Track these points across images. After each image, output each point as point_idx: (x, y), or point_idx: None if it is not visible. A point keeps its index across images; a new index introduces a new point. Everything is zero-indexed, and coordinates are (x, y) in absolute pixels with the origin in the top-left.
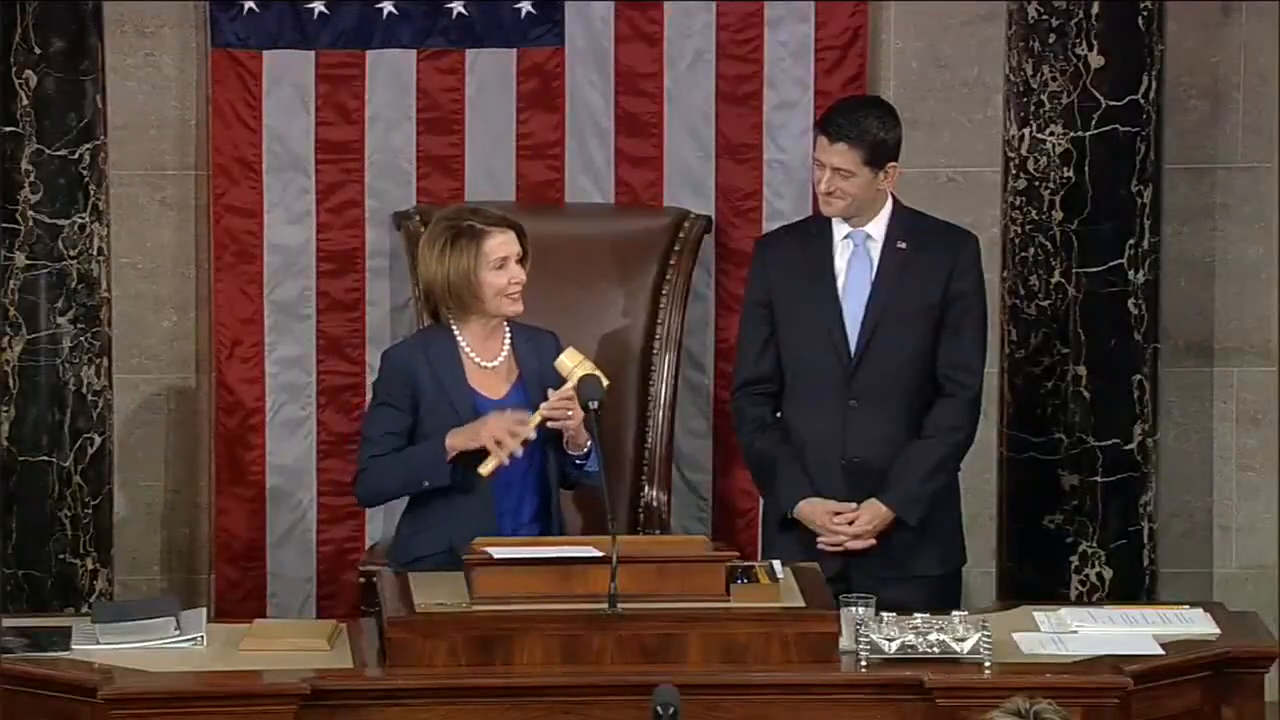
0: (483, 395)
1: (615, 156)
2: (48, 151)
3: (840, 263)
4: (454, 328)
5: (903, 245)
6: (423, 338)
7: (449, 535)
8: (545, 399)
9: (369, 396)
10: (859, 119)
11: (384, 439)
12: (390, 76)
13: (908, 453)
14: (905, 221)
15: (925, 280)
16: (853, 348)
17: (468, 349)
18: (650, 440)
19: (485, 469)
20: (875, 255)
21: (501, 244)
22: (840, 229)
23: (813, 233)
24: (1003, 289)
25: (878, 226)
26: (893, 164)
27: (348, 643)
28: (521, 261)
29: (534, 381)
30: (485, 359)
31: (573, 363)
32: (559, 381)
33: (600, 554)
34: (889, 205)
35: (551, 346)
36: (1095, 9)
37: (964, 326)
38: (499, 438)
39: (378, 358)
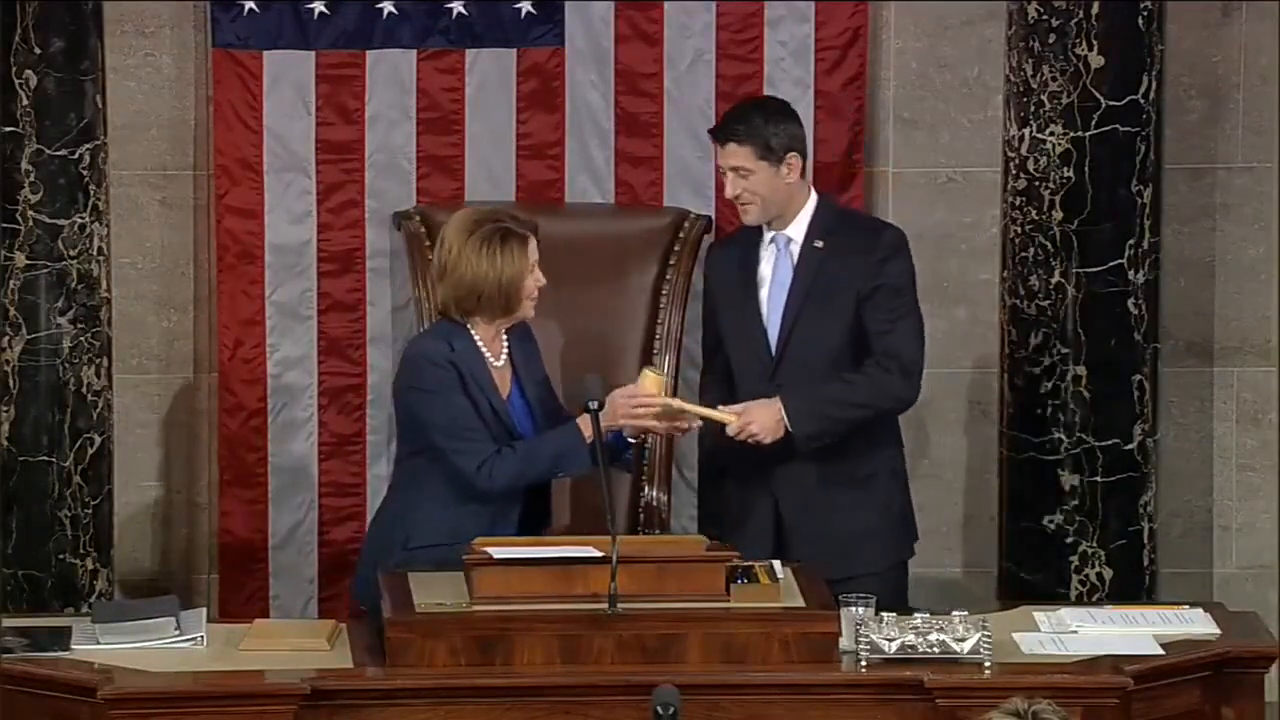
0: (498, 394)
1: (615, 156)
2: (48, 151)
3: (765, 268)
4: (469, 327)
5: (819, 244)
6: (442, 334)
7: (455, 525)
8: (534, 396)
9: (370, 397)
10: (744, 116)
11: (481, 429)
12: (390, 76)
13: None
14: (826, 221)
15: (841, 277)
16: (773, 349)
17: (483, 348)
18: (650, 440)
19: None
20: (795, 256)
21: (535, 248)
22: (767, 234)
23: (747, 240)
24: (1003, 289)
25: (798, 228)
26: (793, 155)
27: (348, 643)
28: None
29: (524, 376)
30: (494, 358)
31: (655, 388)
32: (536, 371)
33: (600, 554)
34: (811, 205)
35: (528, 337)
36: (1095, 9)
37: (897, 318)
38: (628, 417)
39: (379, 358)
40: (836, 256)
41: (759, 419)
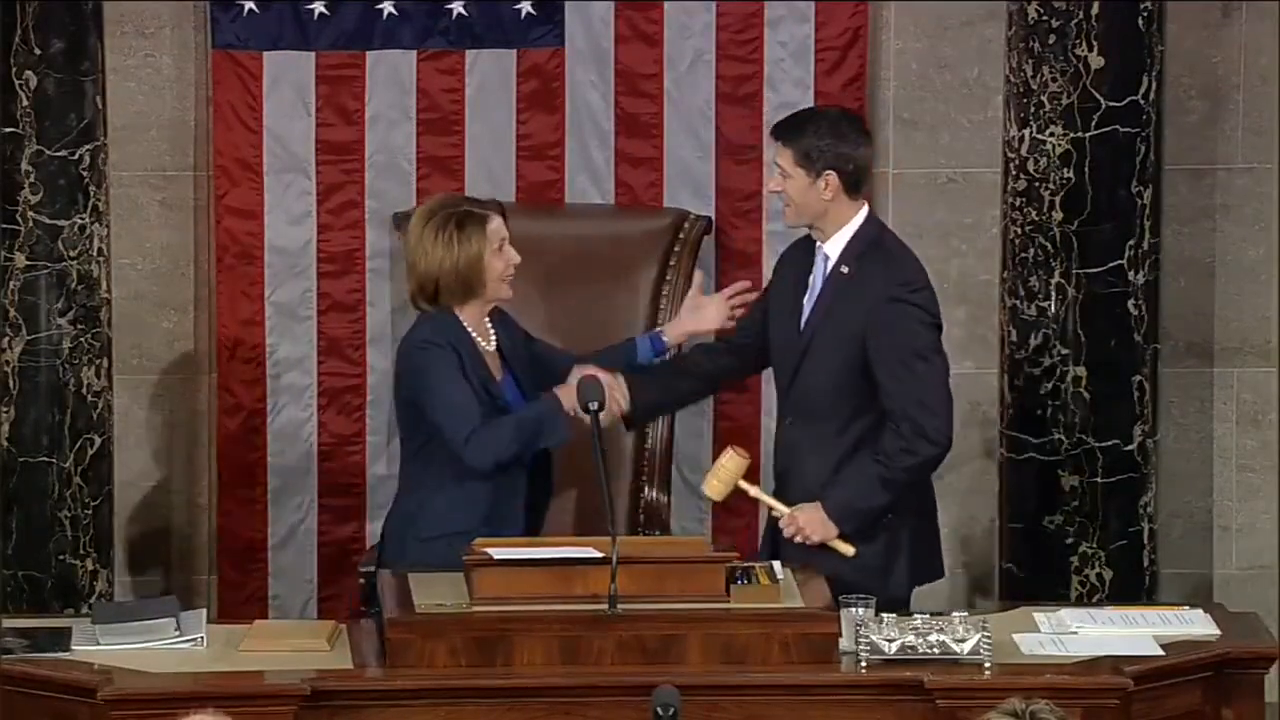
0: (492, 377)
1: (615, 157)
2: (48, 152)
3: (812, 277)
4: (456, 313)
5: (845, 270)
6: (435, 323)
7: (484, 511)
8: (522, 374)
9: (370, 398)
10: (799, 122)
11: (474, 407)
12: (390, 77)
13: (847, 467)
14: (859, 247)
15: (853, 310)
16: (796, 357)
17: (472, 332)
18: (650, 441)
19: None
20: (825, 276)
21: (498, 227)
22: (818, 245)
23: (812, 245)
24: (1003, 289)
25: (835, 246)
26: (830, 173)
27: (348, 643)
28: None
29: (513, 359)
30: (484, 342)
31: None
32: (520, 346)
33: (600, 555)
34: (855, 225)
35: (512, 322)
36: (1095, 9)
37: (903, 371)
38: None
39: (378, 359)
40: (855, 288)
41: (809, 522)
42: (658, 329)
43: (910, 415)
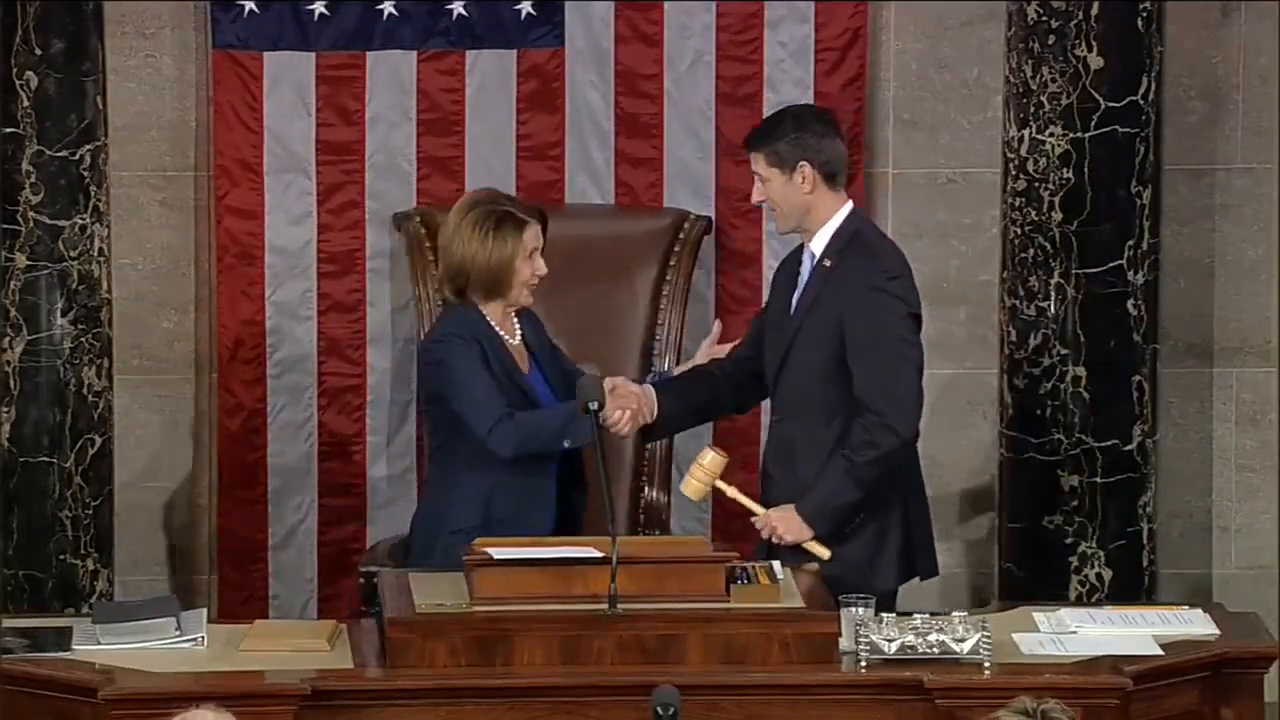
0: (519, 370)
1: (615, 157)
2: (48, 152)
3: (799, 278)
4: (479, 307)
5: (828, 263)
6: (457, 317)
7: (510, 505)
8: (550, 372)
9: (370, 398)
10: (765, 127)
11: (497, 398)
12: (390, 77)
13: (825, 468)
14: (842, 240)
15: (834, 302)
16: (782, 355)
17: (496, 327)
18: (649, 446)
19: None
20: (810, 271)
21: (534, 235)
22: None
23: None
24: (1002, 290)
25: (820, 242)
26: (804, 164)
27: (348, 643)
28: (540, 253)
29: (540, 357)
30: (509, 338)
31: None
32: (551, 357)
33: (600, 555)
34: (837, 220)
35: (537, 320)
36: (1095, 10)
37: (869, 362)
38: (625, 406)
39: (378, 359)
40: (836, 280)
41: (782, 522)
42: (668, 371)
43: (876, 406)
